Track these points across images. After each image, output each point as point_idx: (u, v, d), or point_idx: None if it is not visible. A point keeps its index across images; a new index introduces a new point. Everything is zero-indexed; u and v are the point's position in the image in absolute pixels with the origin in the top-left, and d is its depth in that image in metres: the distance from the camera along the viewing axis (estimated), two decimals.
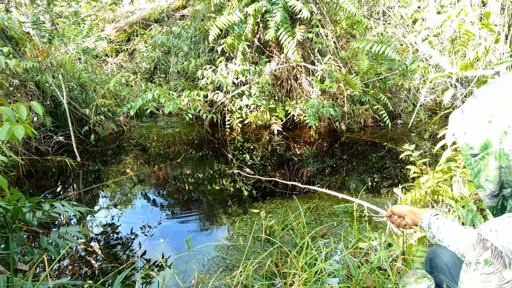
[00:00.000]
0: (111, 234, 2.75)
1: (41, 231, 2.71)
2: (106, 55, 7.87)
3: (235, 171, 3.91)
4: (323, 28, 5.04)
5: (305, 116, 4.92)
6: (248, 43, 4.98)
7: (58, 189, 3.63)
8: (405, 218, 1.30)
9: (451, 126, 0.96)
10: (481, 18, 4.03)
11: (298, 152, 4.58)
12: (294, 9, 4.57)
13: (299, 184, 3.22)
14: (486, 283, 0.82)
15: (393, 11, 5.94)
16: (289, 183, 3.55)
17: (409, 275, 1.16)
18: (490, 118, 0.86)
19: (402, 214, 1.30)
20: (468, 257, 0.87)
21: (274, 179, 3.73)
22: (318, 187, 3.45)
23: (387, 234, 2.26)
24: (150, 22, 7.96)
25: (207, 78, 5.17)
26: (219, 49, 5.20)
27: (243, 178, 3.75)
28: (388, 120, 4.88)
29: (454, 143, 2.10)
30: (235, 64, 5.22)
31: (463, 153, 0.93)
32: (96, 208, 3.24)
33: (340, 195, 2.56)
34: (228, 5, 4.97)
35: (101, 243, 2.61)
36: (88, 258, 2.34)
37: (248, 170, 3.95)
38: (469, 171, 0.93)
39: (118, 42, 8.09)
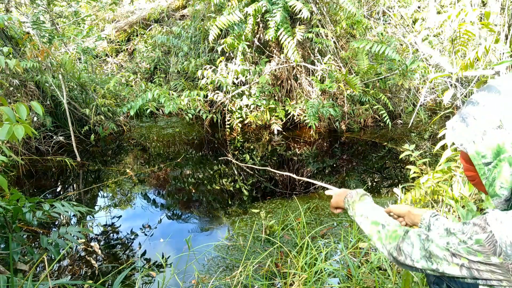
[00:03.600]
0: (111, 234, 2.75)
1: (41, 231, 2.71)
2: (106, 55, 7.87)
3: (227, 159, 3.90)
4: (323, 28, 5.04)
5: (305, 116, 4.92)
6: (248, 43, 4.97)
7: (58, 189, 3.63)
8: (404, 219, 1.29)
9: (457, 138, 0.91)
10: (481, 18, 4.03)
11: (298, 152, 4.58)
12: (294, 9, 4.57)
13: (293, 175, 3.24)
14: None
15: (393, 11, 5.94)
16: (284, 173, 3.57)
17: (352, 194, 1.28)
18: (499, 123, 0.82)
19: (401, 214, 1.30)
20: (458, 227, 0.84)
21: (267, 168, 3.75)
22: (312, 179, 3.45)
23: None
24: (150, 22, 7.96)
25: (207, 78, 5.17)
26: (219, 49, 5.20)
27: (243, 178, 3.75)
28: (388, 120, 4.88)
29: (453, 143, 2.09)
30: (235, 64, 5.22)
31: (476, 162, 0.88)
32: (96, 208, 3.24)
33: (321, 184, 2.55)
34: (228, 5, 4.97)
35: (101, 243, 2.61)
36: (88, 258, 2.34)
37: (240, 160, 3.95)
38: (483, 181, 0.88)
39: (118, 42, 8.09)
